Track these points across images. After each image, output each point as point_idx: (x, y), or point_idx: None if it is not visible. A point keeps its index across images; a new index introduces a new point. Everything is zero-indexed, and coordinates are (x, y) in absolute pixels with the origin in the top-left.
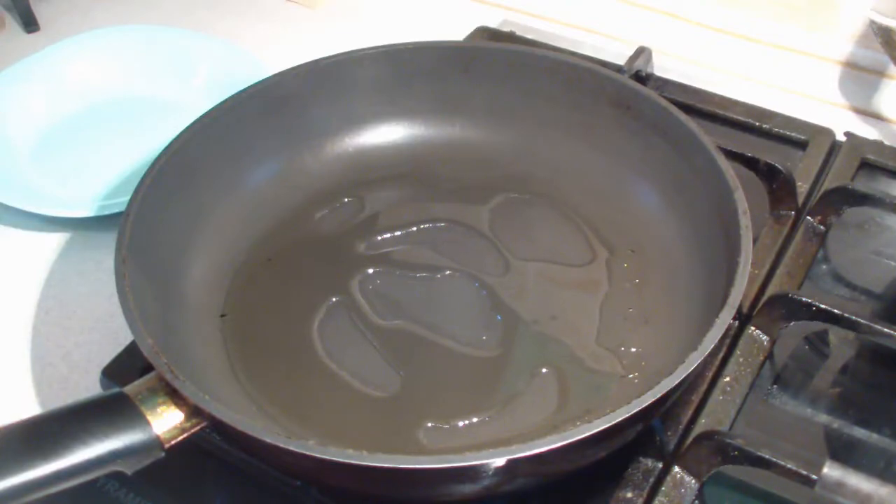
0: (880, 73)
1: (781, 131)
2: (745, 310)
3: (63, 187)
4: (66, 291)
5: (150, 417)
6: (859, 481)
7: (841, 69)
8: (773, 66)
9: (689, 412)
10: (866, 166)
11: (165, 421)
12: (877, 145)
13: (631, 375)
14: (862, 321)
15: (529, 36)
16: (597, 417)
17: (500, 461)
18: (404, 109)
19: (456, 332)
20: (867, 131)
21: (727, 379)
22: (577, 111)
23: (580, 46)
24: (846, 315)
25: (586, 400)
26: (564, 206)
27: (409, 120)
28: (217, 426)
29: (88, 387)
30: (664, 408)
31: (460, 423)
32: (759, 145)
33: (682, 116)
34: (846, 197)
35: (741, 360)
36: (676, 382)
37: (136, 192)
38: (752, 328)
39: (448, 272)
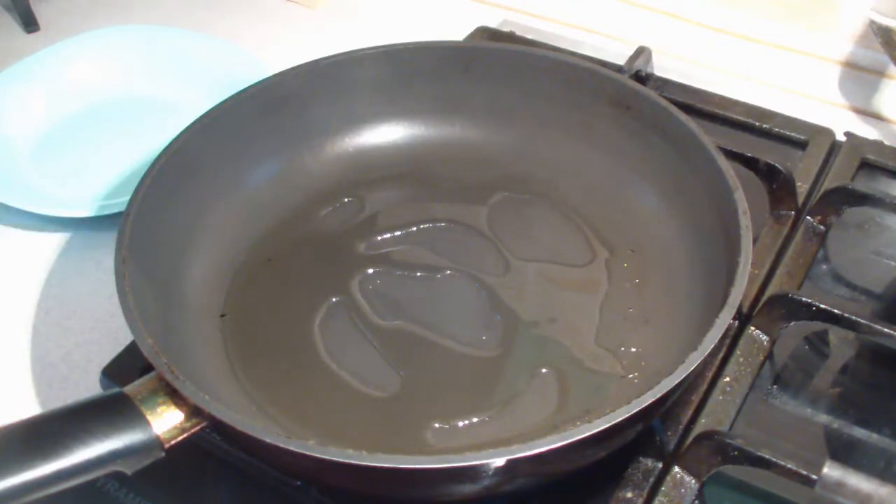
0: (880, 73)
1: (781, 131)
2: (745, 310)
3: (63, 187)
4: (66, 291)
5: (150, 417)
6: (859, 481)
7: (841, 69)
8: (773, 66)
9: (689, 412)
10: (866, 166)
11: (165, 421)
12: (877, 145)
13: (631, 375)
14: (862, 321)
15: (529, 36)
16: (597, 417)
17: (500, 461)
18: (404, 109)
19: (456, 332)
20: (867, 131)
21: (727, 379)
22: (577, 111)
23: (580, 46)
24: (846, 315)
25: (586, 400)
26: (564, 206)
27: (409, 120)
28: (217, 426)
29: (88, 387)
30: (664, 408)
31: (460, 424)
32: (759, 145)
33: (682, 116)
34: (846, 197)
35: (741, 360)
36: (676, 382)
37: (136, 192)
38: (752, 328)
39: (448, 272)
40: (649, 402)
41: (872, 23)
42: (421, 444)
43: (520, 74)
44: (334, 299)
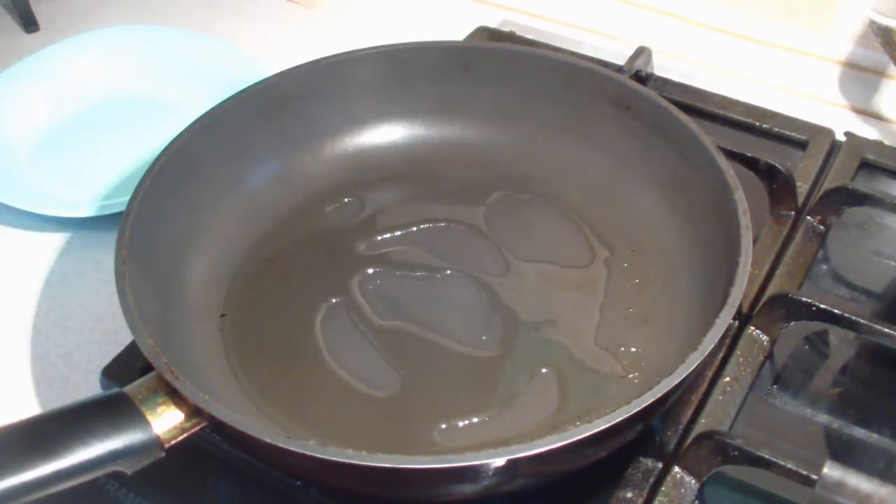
0: (880, 73)
1: (781, 131)
2: (745, 310)
3: (63, 187)
4: (66, 291)
5: (150, 417)
6: (859, 481)
7: (841, 69)
8: (773, 66)
9: (689, 412)
10: (866, 166)
11: (165, 421)
12: (877, 145)
13: (631, 375)
14: (862, 321)
15: (529, 36)
16: (597, 417)
17: (500, 461)
18: (404, 109)
19: (456, 332)
20: (867, 131)
21: (727, 379)
22: (577, 111)
23: (580, 46)
24: (846, 315)
25: (586, 400)
26: (564, 206)
27: (409, 120)
28: (217, 426)
29: (88, 387)
30: (664, 408)
31: (460, 424)
32: (759, 145)
33: (683, 116)
34: (846, 197)
35: (741, 360)
36: (676, 382)
37: (136, 192)
38: (752, 328)
39: (448, 272)
40: (649, 402)
41: (872, 23)
42: (421, 444)
43: (520, 74)
44: (334, 299)
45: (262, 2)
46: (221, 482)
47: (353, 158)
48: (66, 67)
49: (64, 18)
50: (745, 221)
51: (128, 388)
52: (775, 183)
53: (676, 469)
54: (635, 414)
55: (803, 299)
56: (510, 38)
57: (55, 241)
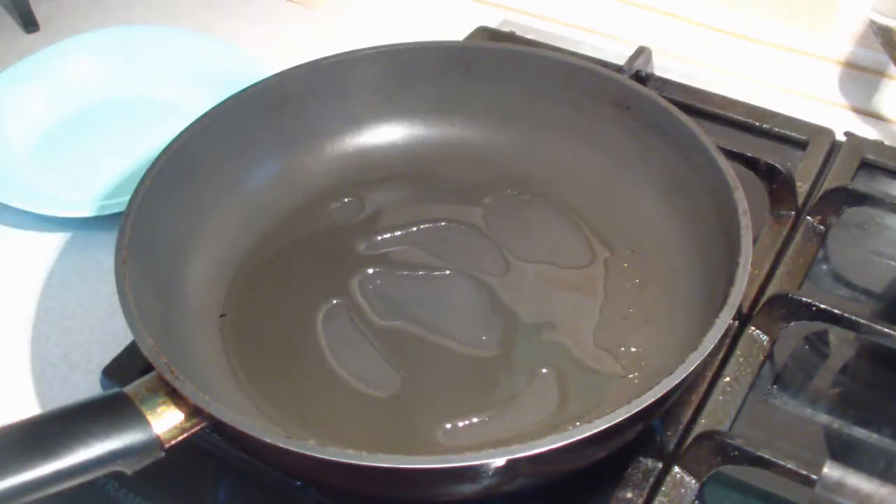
0: (880, 73)
1: (781, 131)
2: (745, 310)
3: (63, 187)
4: (66, 291)
5: (150, 417)
6: (859, 481)
7: (841, 69)
8: (773, 66)
9: (689, 412)
10: (866, 166)
11: (165, 421)
12: (877, 145)
13: (631, 375)
14: (862, 321)
15: (529, 36)
16: (597, 417)
17: (500, 461)
18: (404, 109)
19: (456, 332)
20: (867, 131)
21: (727, 379)
22: (577, 111)
23: (580, 46)
24: (846, 315)
25: (586, 400)
26: (564, 207)
27: (409, 120)
28: (217, 426)
29: (88, 387)
30: (664, 408)
31: (460, 424)
32: (759, 145)
33: (682, 116)
34: (846, 197)
35: (741, 360)
36: (676, 382)
37: (136, 192)
38: (752, 328)
39: (448, 272)
40: (649, 402)
41: (872, 23)
42: (421, 445)
43: (520, 74)
44: (334, 299)
45: (262, 2)
46: (221, 482)
47: (353, 158)
48: (66, 67)
49: (64, 18)
50: (745, 221)
51: (128, 388)
52: (775, 183)
53: (676, 469)
54: (635, 414)
55: (803, 299)
56: (510, 38)
57: (55, 241)
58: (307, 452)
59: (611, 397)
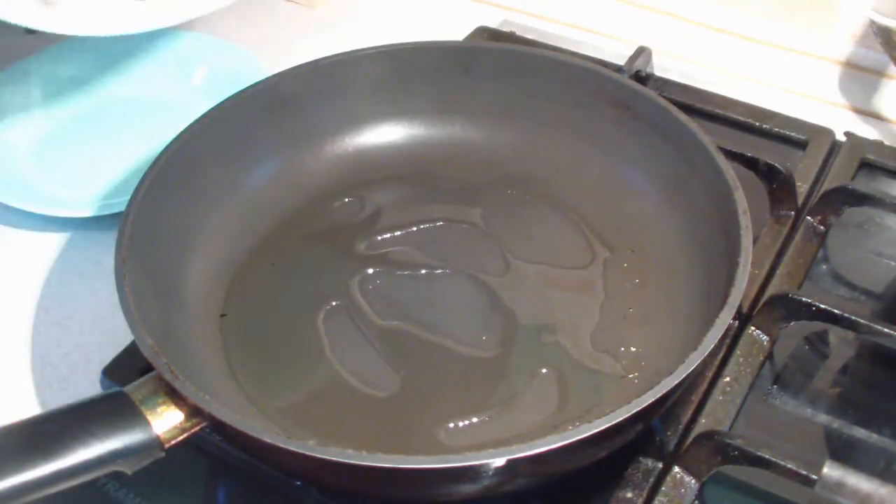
0: (880, 73)
1: (781, 131)
2: (745, 310)
3: (63, 187)
4: (66, 291)
5: (150, 417)
6: (859, 481)
7: (841, 69)
8: (773, 66)
9: (689, 412)
10: (866, 166)
11: (165, 421)
12: (877, 145)
13: (631, 375)
14: (862, 321)
15: (529, 36)
16: (597, 417)
17: (500, 461)
18: (404, 109)
19: (456, 332)
20: (867, 131)
21: (727, 379)
22: (577, 111)
23: (580, 46)
24: (846, 315)
25: (586, 400)
26: (564, 206)
27: (409, 120)
28: (217, 426)
29: (88, 387)
30: (664, 408)
31: (460, 424)
32: (759, 145)
33: (682, 116)
34: (846, 197)
35: (741, 360)
36: (676, 382)
37: (136, 192)
38: (752, 328)
39: (448, 272)
40: (649, 402)
41: (872, 23)
42: (421, 445)
43: (520, 74)
44: (334, 300)
45: (262, 2)
46: (221, 482)
47: (353, 158)
48: (65, 67)
49: None
50: (745, 221)
51: (128, 388)
52: (775, 183)
53: (676, 469)
54: (635, 414)
55: (803, 299)
56: (510, 38)
57: (55, 241)
58: (307, 452)
59: (611, 397)
